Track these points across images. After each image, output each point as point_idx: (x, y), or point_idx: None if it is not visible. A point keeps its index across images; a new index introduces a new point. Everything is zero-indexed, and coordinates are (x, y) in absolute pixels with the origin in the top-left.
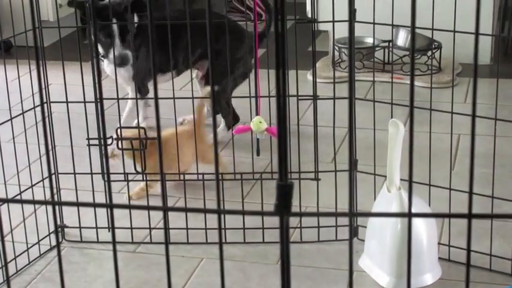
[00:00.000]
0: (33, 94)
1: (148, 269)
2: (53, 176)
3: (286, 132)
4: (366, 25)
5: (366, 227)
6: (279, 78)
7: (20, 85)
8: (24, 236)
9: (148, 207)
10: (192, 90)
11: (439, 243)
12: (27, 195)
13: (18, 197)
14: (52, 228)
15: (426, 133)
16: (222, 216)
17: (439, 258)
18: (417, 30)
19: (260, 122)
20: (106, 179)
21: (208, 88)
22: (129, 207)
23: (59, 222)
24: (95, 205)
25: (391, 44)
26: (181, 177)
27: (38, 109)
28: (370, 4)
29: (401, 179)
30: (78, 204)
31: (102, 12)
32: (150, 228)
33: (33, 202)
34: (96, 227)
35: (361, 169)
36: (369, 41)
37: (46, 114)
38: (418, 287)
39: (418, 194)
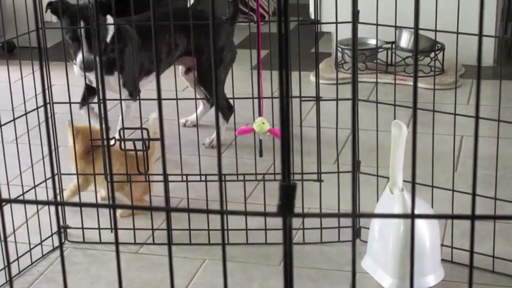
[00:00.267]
0: (36, 95)
1: (151, 270)
2: (56, 177)
3: (289, 134)
4: (368, 26)
5: (368, 228)
6: (282, 80)
7: (23, 86)
8: (27, 237)
9: (151, 208)
10: (195, 91)
11: (441, 245)
12: (30, 196)
13: (21, 198)
14: (55, 229)
15: (429, 135)
16: (225, 217)
17: (442, 259)
18: (420, 32)
19: (263, 123)
20: (109, 179)
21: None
22: (132, 207)
23: (61, 223)
24: (97, 206)
25: (394, 45)
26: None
27: (41, 110)
28: (373, 5)
29: (404, 181)
30: (80, 204)
31: (71, 14)
32: (152, 229)
33: (36, 202)
34: (99, 228)
35: (364, 170)
36: (372, 42)
37: (49, 115)
38: None
39: (420, 196)
